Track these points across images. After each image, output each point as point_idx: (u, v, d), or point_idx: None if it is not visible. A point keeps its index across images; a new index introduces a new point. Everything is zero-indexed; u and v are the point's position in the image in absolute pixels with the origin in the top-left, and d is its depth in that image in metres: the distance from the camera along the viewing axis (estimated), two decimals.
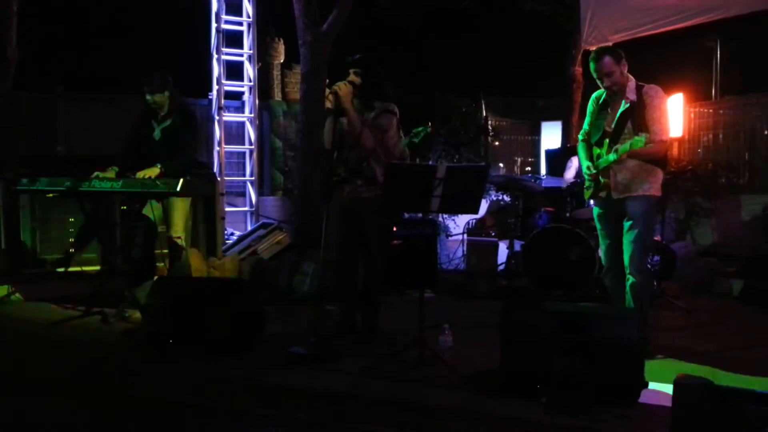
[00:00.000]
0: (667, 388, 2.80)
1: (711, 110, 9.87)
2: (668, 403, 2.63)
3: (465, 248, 6.82)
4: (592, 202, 4.27)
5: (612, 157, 3.98)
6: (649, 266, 5.69)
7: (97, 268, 5.83)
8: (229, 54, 8.45)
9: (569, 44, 10.79)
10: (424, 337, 3.81)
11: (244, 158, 8.78)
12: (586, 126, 4.31)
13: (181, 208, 5.07)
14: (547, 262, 5.81)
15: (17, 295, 5.51)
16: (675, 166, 8.29)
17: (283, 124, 10.42)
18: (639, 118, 3.96)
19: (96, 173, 4.78)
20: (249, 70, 8.62)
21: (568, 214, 6.07)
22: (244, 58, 8.59)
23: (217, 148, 8.28)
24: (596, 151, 4.19)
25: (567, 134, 11.11)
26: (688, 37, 9.36)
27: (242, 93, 8.81)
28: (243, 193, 8.77)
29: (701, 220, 8.50)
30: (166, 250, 5.22)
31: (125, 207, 5.15)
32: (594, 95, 4.26)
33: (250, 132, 8.65)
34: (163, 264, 5.30)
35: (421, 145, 5.70)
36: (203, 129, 7.87)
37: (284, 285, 5.98)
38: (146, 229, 5.10)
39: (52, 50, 11.19)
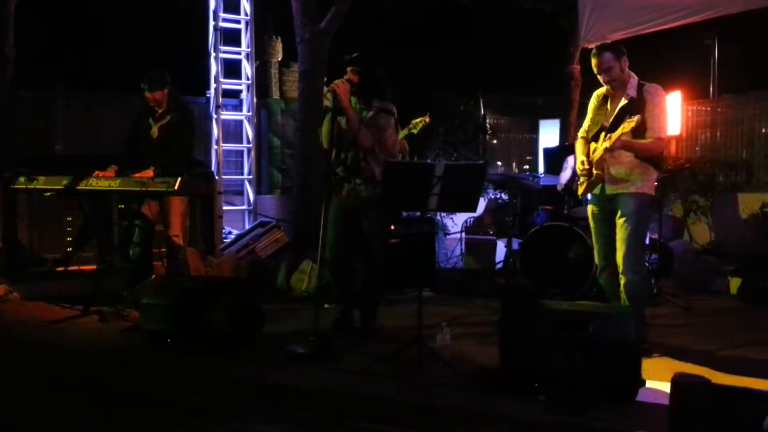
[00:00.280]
0: (665, 387, 2.80)
1: (709, 108, 9.88)
2: (666, 402, 2.63)
3: (463, 247, 6.82)
4: (589, 195, 4.26)
5: (605, 144, 3.99)
6: (646, 264, 5.72)
7: (95, 267, 5.82)
8: (226, 52, 8.43)
9: (568, 42, 10.79)
10: (422, 335, 3.82)
11: (241, 157, 8.77)
12: (586, 123, 4.32)
13: (178, 207, 5.07)
14: (545, 260, 5.82)
15: (15, 294, 5.51)
16: (673, 164, 8.30)
17: (281, 123, 10.41)
18: (637, 114, 3.96)
19: (95, 173, 4.78)
20: (247, 69, 8.61)
21: (566, 212, 6.08)
22: (241, 56, 8.58)
23: (214, 146, 8.28)
24: (593, 146, 4.20)
25: (565, 132, 11.12)
26: (686, 35, 9.38)
27: (240, 91, 8.80)
28: (241, 192, 8.76)
29: (699, 219, 8.51)
30: (164, 249, 5.21)
31: (123, 206, 5.15)
32: (596, 92, 4.27)
33: (248, 130, 8.64)
34: (161, 263, 5.30)
35: (419, 137, 5.69)
36: (200, 127, 7.86)
37: (282, 284, 5.99)
38: (144, 228, 5.10)
39: (50, 49, 11.17)
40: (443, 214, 8.24)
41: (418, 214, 5.90)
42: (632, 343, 3.24)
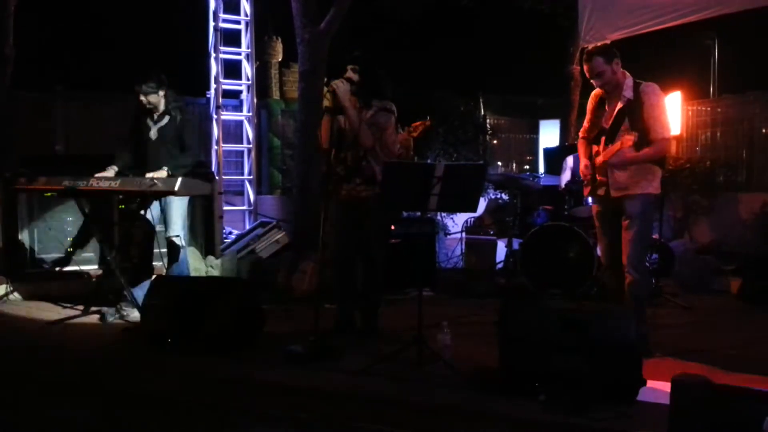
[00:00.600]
0: (665, 386, 2.80)
1: (709, 108, 9.88)
2: (666, 401, 2.63)
3: (463, 247, 6.82)
4: (590, 199, 4.27)
5: (605, 157, 4.00)
6: (647, 264, 5.72)
7: (96, 267, 5.82)
8: (226, 53, 8.43)
9: (567, 43, 10.80)
10: (423, 335, 3.82)
11: (242, 157, 8.77)
12: (585, 123, 4.32)
13: (179, 207, 5.07)
14: (545, 260, 5.82)
15: (15, 294, 5.51)
16: (673, 164, 8.31)
17: (282, 123, 10.40)
18: (635, 115, 3.97)
19: (96, 175, 4.78)
20: (247, 69, 8.61)
21: (566, 212, 6.08)
22: (242, 57, 8.58)
23: (215, 146, 8.28)
24: (595, 149, 4.20)
25: (565, 132, 11.12)
26: (686, 35, 9.37)
27: (240, 92, 8.80)
28: (241, 192, 8.76)
29: (699, 218, 8.52)
30: (164, 250, 5.21)
31: (123, 206, 5.15)
32: (593, 92, 4.27)
33: (248, 131, 8.64)
34: (161, 263, 5.30)
35: (419, 139, 5.69)
36: (201, 127, 7.86)
37: (283, 284, 5.98)
38: (144, 229, 5.10)
39: (50, 49, 11.17)
40: (443, 214, 8.24)
41: (419, 214, 5.91)
42: (632, 343, 3.24)
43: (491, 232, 7.22)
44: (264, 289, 5.66)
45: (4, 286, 5.51)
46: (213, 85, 8.33)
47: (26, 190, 5.09)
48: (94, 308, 4.80)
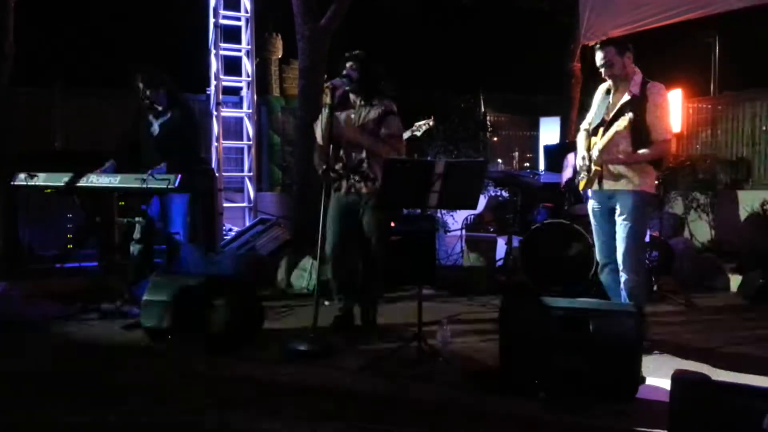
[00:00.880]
0: (665, 384, 2.80)
1: (709, 106, 9.87)
2: (666, 399, 2.63)
3: (463, 244, 6.81)
4: (590, 192, 4.25)
5: (603, 140, 3.99)
6: (647, 262, 5.71)
7: (96, 264, 5.82)
8: (227, 49, 8.41)
9: (568, 40, 10.78)
10: (422, 333, 3.81)
11: (242, 154, 8.75)
12: (589, 116, 4.31)
13: (179, 204, 5.06)
14: (545, 257, 5.81)
15: (15, 290, 5.51)
16: (673, 162, 8.30)
17: (282, 120, 10.39)
18: (638, 111, 3.96)
19: (95, 172, 4.78)
20: (247, 66, 8.59)
21: (566, 210, 6.07)
22: (242, 54, 8.55)
23: (215, 143, 8.26)
24: (593, 140, 4.19)
25: (566, 130, 11.11)
26: (687, 33, 9.36)
27: (240, 88, 8.78)
28: (241, 189, 8.74)
29: (699, 216, 8.51)
30: (164, 246, 5.21)
31: (123, 203, 5.14)
32: (601, 86, 4.26)
33: (249, 127, 8.63)
34: (161, 260, 5.29)
35: (421, 138, 5.68)
36: (201, 124, 7.85)
37: (283, 281, 5.98)
38: (144, 225, 5.09)
39: (49, 46, 11.15)
40: (443, 212, 8.23)
41: (419, 211, 5.91)
42: (632, 341, 3.24)
43: (491, 230, 7.22)
44: (264, 286, 5.66)
45: (3, 282, 5.51)
46: (213, 82, 8.31)
47: (26, 186, 5.08)
48: (93, 305, 4.80)
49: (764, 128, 9.18)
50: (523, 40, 12.93)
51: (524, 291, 5.85)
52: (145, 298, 4.29)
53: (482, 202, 8.36)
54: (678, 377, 2.59)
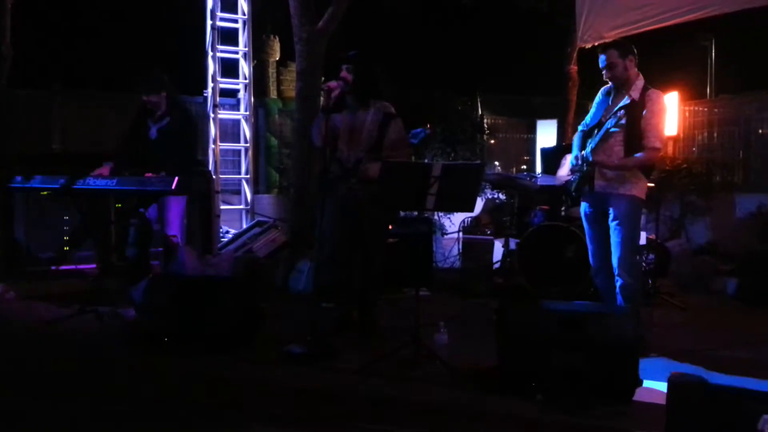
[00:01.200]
0: (662, 386, 2.81)
1: (706, 109, 9.89)
2: (663, 401, 2.64)
3: (460, 246, 6.81)
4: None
5: (593, 144, 4.01)
6: (643, 264, 5.73)
7: (93, 266, 5.81)
8: (224, 51, 8.41)
9: (565, 42, 10.80)
10: (420, 335, 3.82)
11: (239, 156, 8.75)
12: (588, 117, 4.32)
13: (176, 206, 5.06)
14: (542, 260, 5.82)
15: (12, 293, 5.49)
16: (670, 165, 8.31)
17: (279, 122, 10.39)
18: (634, 117, 3.97)
19: (92, 173, 4.78)
20: (244, 68, 8.59)
21: (563, 213, 6.08)
22: (239, 56, 8.56)
23: (212, 145, 8.26)
24: (589, 141, 4.20)
25: (563, 133, 11.12)
26: (683, 36, 9.39)
27: (237, 90, 8.78)
28: (238, 191, 8.74)
29: (696, 219, 8.52)
30: (161, 248, 5.21)
31: (120, 205, 5.14)
32: (603, 88, 4.28)
33: (246, 130, 8.63)
34: (158, 262, 5.29)
35: (419, 146, 5.69)
36: (200, 126, 7.86)
37: (280, 283, 5.98)
38: (141, 228, 5.09)
39: (47, 48, 11.15)
40: (441, 214, 8.23)
41: (416, 213, 5.91)
42: (629, 343, 3.25)
43: (488, 232, 7.21)
44: (261, 288, 5.65)
45: (0, 284, 5.50)
46: (210, 84, 8.31)
47: (22, 188, 5.08)
48: (90, 307, 4.79)
49: (760, 131, 9.21)
50: (520, 42, 12.95)
51: (521, 293, 5.85)
52: (142, 300, 4.29)
53: (479, 204, 8.36)
54: (674, 380, 2.60)
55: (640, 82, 4.04)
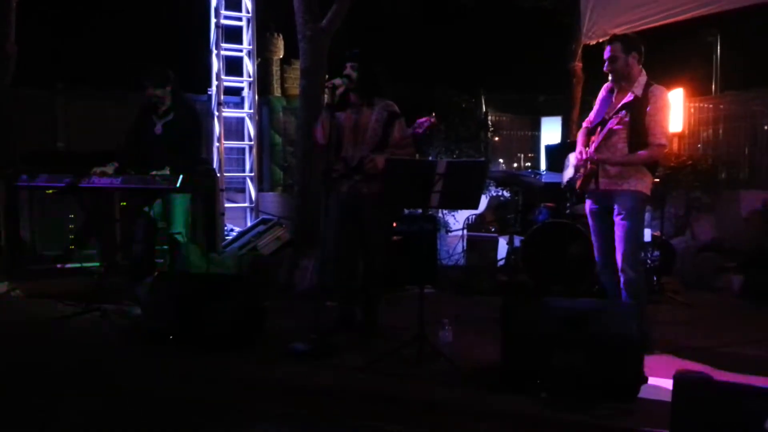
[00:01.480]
0: (667, 384, 2.80)
1: (711, 105, 9.84)
2: (668, 398, 2.63)
3: (465, 244, 6.81)
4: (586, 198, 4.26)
5: (597, 141, 4.01)
6: (648, 261, 5.72)
7: (97, 264, 5.82)
8: (228, 49, 8.42)
9: (569, 39, 10.77)
10: (424, 332, 3.82)
11: (243, 154, 8.76)
12: (591, 114, 4.31)
13: (180, 204, 5.07)
14: (546, 257, 5.81)
15: (17, 291, 5.52)
16: (675, 161, 8.28)
17: (283, 120, 10.40)
18: (638, 113, 3.96)
19: (94, 169, 4.78)
20: (248, 66, 8.60)
21: (567, 210, 6.07)
22: (243, 54, 8.56)
23: (216, 143, 8.27)
24: (592, 138, 4.19)
25: (567, 130, 11.09)
26: (688, 32, 9.34)
27: (242, 88, 8.79)
28: (243, 189, 8.75)
29: (701, 215, 8.49)
30: (166, 246, 5.21)
31: (125, 203, 5.15)
32: (606, 84, 4.26)
33: (250, 128, 8.63)
34: (163, 260, 5.30)
35: (423, 137, 5.66)
36: (204, 124, 7.87)
37: (284, 281, 5.98)
38: (146, 225, 5.10)
39: (52, 46, 11.17)
40: (445, 212, 8.23)
41: (420, 211, 5.91)
42: (634, 340, 3.24)
43: (493, 230, 7.22)
44: (265, 286, 5.66)
45: (6, 282, 5.52)
46: (214, 82, 8.32)
47: (28, 187, 5.09)
48: (95, 305, 4.80)
49: (766, 127, 9.16)
50: (524, 40, 12.91)
51: (526, 291, 5.85)
52: (147, 298, 4.30)
53: (484, 202, 8.36)
54: (680, 377, 2.59)
55: (642, 78, 4.03)
